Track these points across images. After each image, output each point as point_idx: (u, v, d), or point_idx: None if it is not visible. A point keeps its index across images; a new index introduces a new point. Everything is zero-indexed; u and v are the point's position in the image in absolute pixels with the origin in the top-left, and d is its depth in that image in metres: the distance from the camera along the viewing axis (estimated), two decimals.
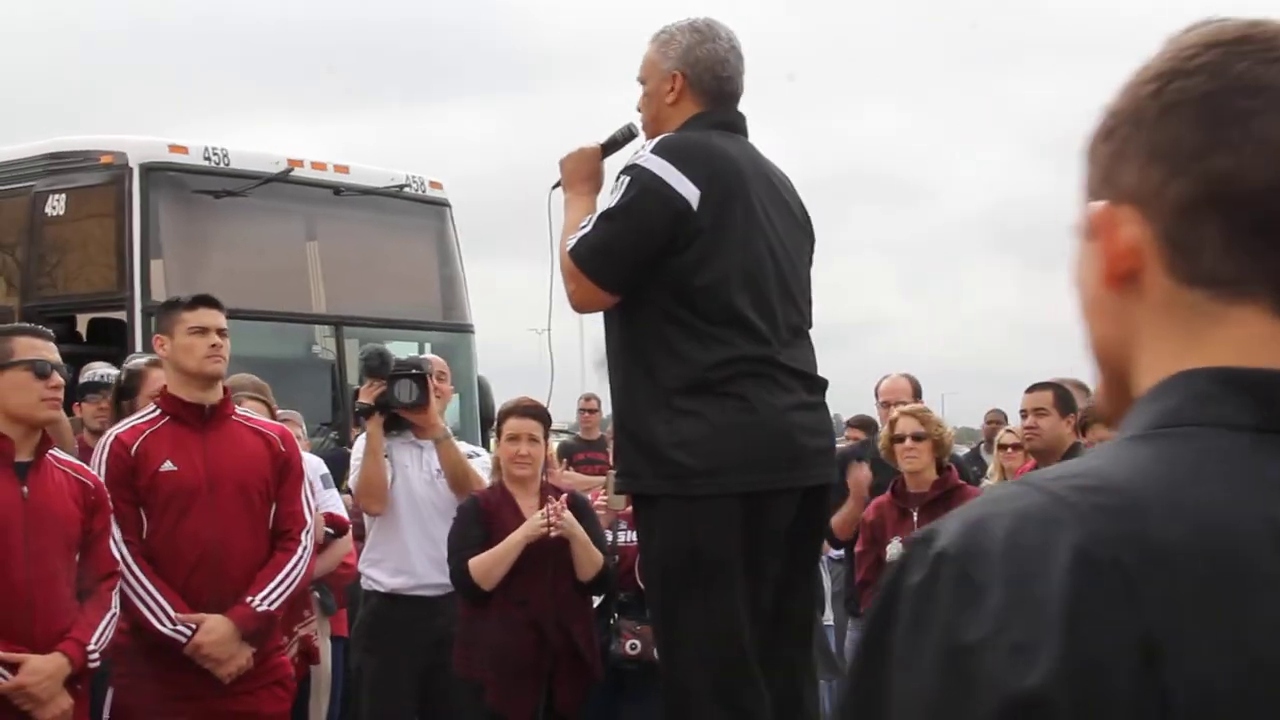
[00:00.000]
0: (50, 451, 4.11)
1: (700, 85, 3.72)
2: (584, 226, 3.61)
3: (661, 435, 3.52)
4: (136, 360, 5.10)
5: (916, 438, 5.78)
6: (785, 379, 3.61)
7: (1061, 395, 5.67)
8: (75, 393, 5.02)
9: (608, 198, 3.65)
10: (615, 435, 3.82)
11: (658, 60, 3.76)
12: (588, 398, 10.83)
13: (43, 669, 3.91)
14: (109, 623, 4.10)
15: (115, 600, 4.13)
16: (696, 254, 3.53)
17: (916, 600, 0.91)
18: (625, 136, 3.87)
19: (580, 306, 3.69)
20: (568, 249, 3.61)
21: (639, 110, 3.84)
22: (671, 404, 3.52)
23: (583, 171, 3.81)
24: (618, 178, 3.64)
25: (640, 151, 3.65)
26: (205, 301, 4.48)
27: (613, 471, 5.51)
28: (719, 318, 3.55)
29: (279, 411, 6.63)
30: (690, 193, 3.51)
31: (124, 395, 4.98)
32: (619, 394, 3.71)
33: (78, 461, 4.31)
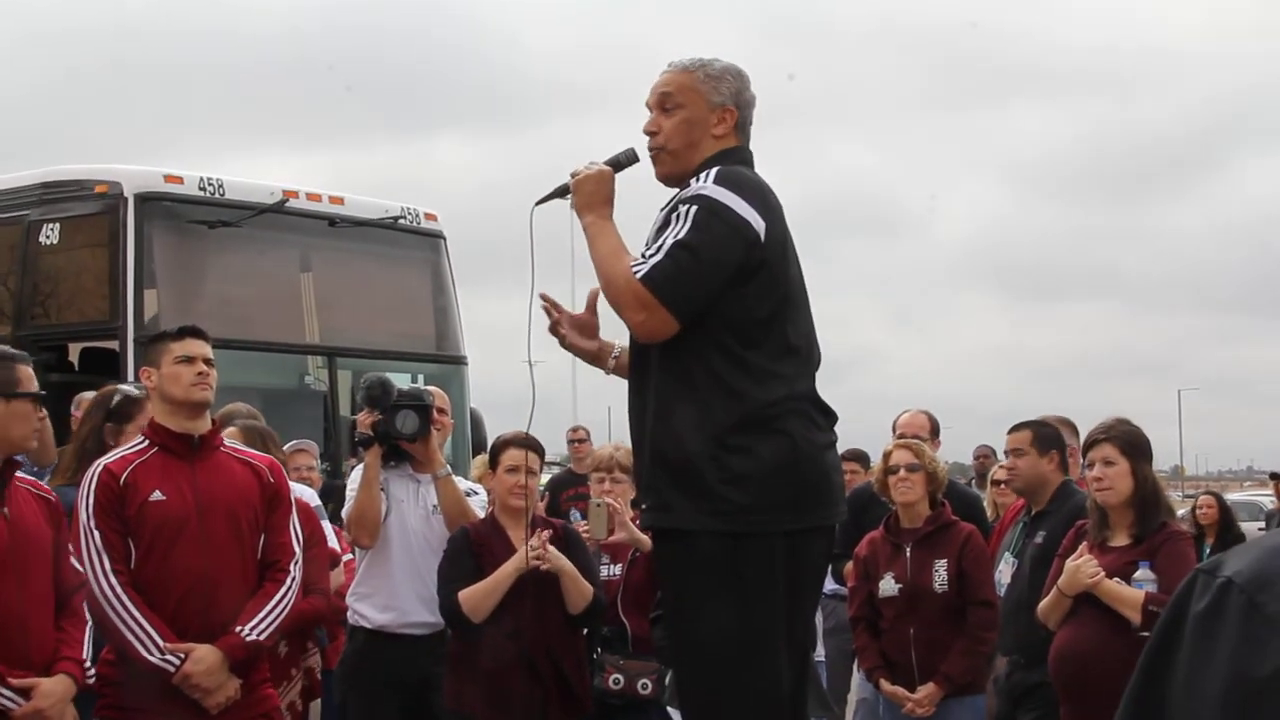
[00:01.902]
0: (17, 472, 4.17)
1: (743, 127, 3.80)
2: (653, 255, 3.54)
3: (709, 471, 3.48)
4: (131, 390, 5.10)
5: (911, 469, 5.79)
6: (817, 415, 3.65)
7: (1039, 434, 5.71)
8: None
9: (661, 229, 3.60)
10: (647, 467, 3.71)
11: (705, 91, 3.75)
12: (575, 429, 10.78)
13: (54, 691, 3.95)
14: (89, 635, 4.13)
15: (86, 611, 4.17)
16: (759, 286, 3.54)
17: (1201, 628, 0.87)
18: (628, 159, 3.85)
19: (650, 335, 3.60)
20: (637, 276, 3.52)
21: (648, 133, 3.79)
22: (721, 441, 3.49)
23: (604, 193, 3.76)
24: (676, 208, 3.59)
25: (701, 183, 3.60)
26: (191, 332, 4.50)
27: (594, 501, 5.52)
28: (777, 350, 3.56)
29: (294, 442, 6.62)
30: (759, 224, 3.53)
31: (112, 418, 4.97)
32: (656, 427, 3.62)
33: (32, 477, 4.35)
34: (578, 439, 10.66)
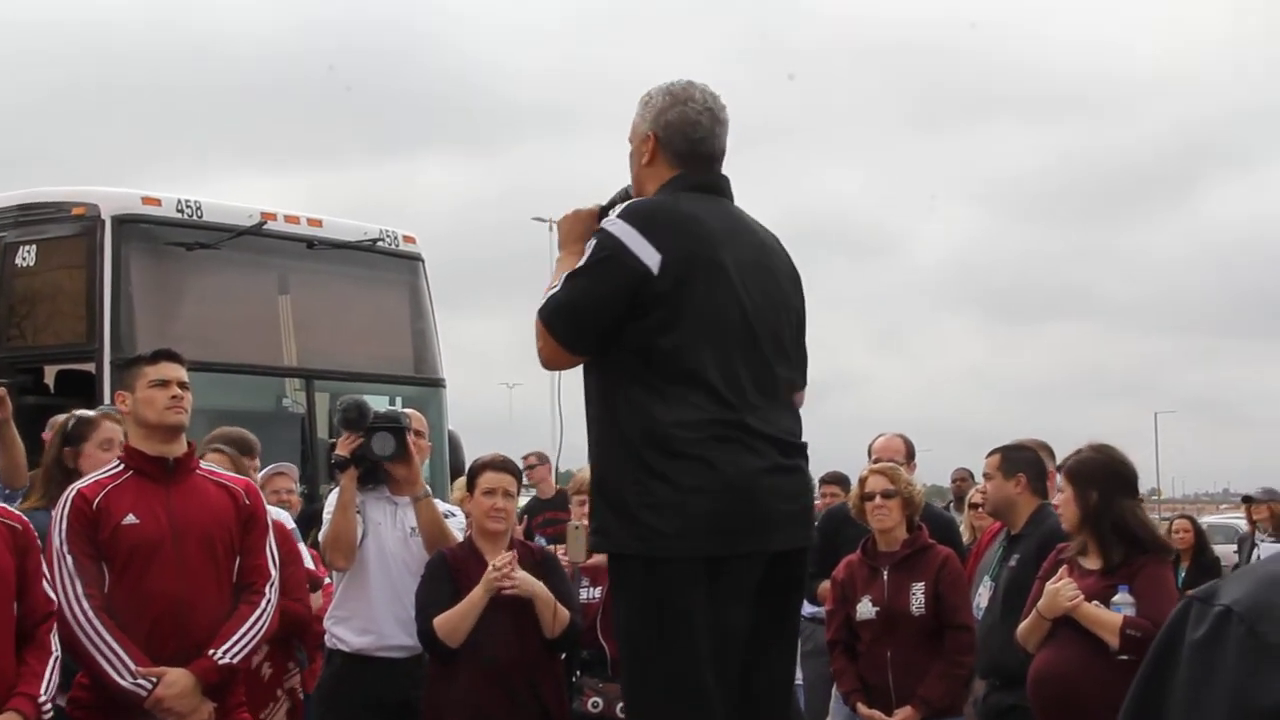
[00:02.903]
0: None
1: (671, 147, 3.76)
2: (554, 286, 3.66)
3: (631, 495, 3.54)
4: (87, 411, 5.07)
5: (886, 495, 5.80)
6: (754, 442, 3.60)
7: (1006, 457, 5.76)
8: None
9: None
10: (590, 492, 3.84)
11: (638, 122, 3.82)
12: (527, 455, 10.56)
13: None
14: (54, 668, 4.01)
15: (55, 643, 4.05)
16: (660, 317, 3.55)
17: (1199, 657, 0.86)
18: (623, 198, 3.91)
19: (547, 363, 3.72)
20: (538, 307, 3.66)
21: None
22: (641, 464, 3.53)
23: (576, 233, 3.84)
24: (590, 240, 3.68)
25: (610, 216, 3.70)
26: (166, 355, 4.49)
27: (572, 524, 5.54)
28: (685, 379, 3.56)
29: (272, 465, 6.59)
30: (651, 258, 3.54)
31: (69, 442, 4.93)
32: (594, 454, 3.72)
33: (1, 504, 4.27)
34: (528, 465, 10.44)
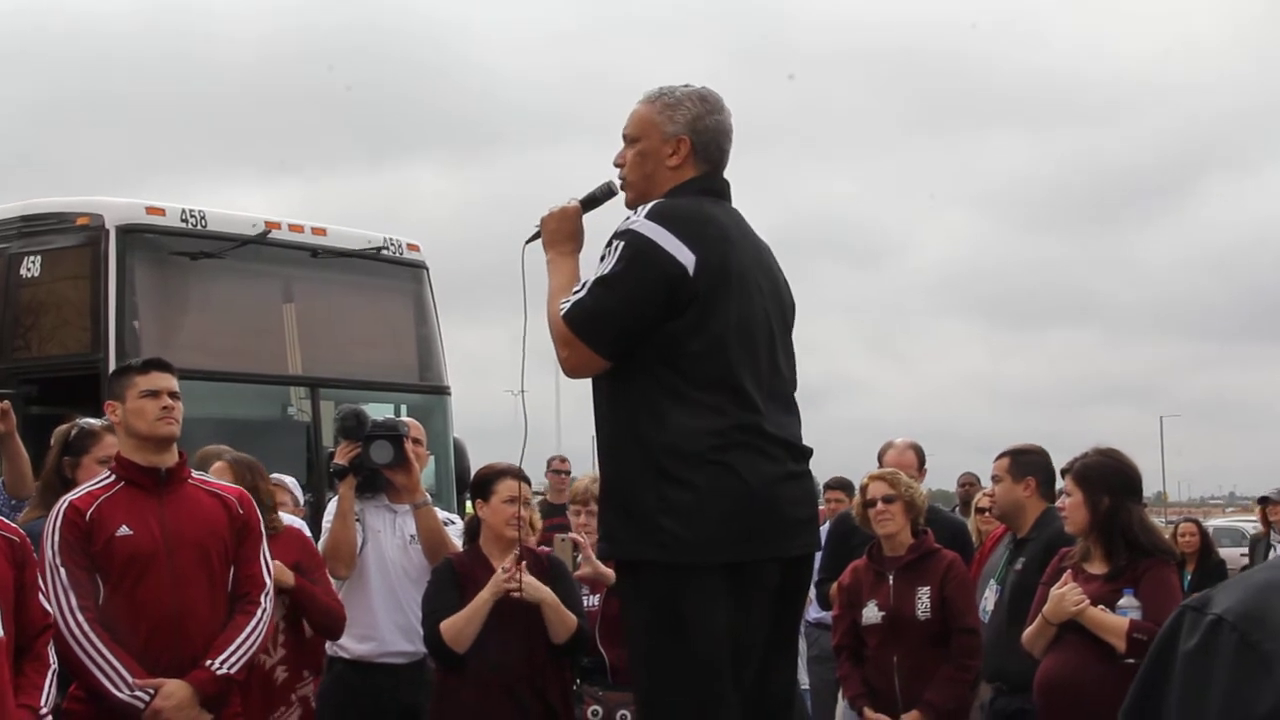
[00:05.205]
0: None
1: (705, 154, 3.74)
2: (577, 291, 3.59)
3: (649, 502, 3.49)
4: (91, 421, 5.03)
5: (887, 500, 5.80)
6: (771, 448, 3.59)
7: (1015, 460, 5.76)
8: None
9: (599, 263, 3.63)
10: (600, 499, 3.81)
11: (659, 121, 3.74)
12: (562, 459, 10.69)
13: None
14: (52, 680, 4.00)
15: (52, 655, 4.03)
16: (692, 319, 3.52)
17: (1192, 667, 0.86)
18: (605, 194, 3.86)
19: (573, 372, 3.65)
20: (560, 314, 3.58)
21: (617, 165, 3.82)
22: (660, 471, 3.48)
23: (566, 230, 3.80)
24: (610, 242, 3.61)
25: (633, 217, 3.63)
26: (156, 365, 4.46)
27: (559, 536, 5.53)
28: (712, 383, 3.53)
29: (273, 477, 6.58)
30: (686, 257, 3.51)
31: (69, 451, 4.90)
32: (606, 458, 3.68)
33: None
34: (564, 469, 10.55)
